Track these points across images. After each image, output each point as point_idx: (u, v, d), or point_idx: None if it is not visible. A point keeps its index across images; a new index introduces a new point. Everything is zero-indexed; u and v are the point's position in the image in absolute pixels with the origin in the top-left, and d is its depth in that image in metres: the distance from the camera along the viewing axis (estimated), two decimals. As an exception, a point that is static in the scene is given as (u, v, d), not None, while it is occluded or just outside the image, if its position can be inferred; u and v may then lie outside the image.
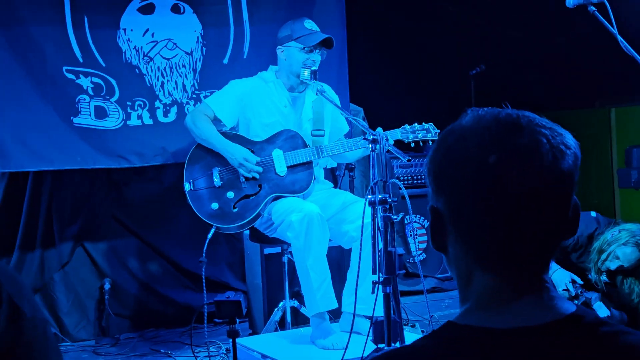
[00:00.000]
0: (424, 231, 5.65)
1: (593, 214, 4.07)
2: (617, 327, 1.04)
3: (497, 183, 1.01)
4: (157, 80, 4.49)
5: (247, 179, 3.78)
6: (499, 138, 1.03)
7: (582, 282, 3.89)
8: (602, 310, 3.74)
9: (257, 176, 3.76)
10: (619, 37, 3.09)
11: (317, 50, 3.82)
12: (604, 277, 3.86)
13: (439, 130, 3.89)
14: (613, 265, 3.81)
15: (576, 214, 1.07)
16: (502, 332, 1.01)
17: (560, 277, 3.87)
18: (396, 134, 3.82)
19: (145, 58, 4.47)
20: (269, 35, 4.42)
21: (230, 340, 3.04)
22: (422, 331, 4.08)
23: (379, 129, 3.53)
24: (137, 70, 4.46)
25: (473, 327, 1.03)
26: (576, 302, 3.72)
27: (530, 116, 1.06)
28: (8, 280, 0.96)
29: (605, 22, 3.12)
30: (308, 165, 3.81)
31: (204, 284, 3.70)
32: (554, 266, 3.89)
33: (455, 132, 1.07)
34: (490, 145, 1.02)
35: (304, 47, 3.80)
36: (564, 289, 3.82)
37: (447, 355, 1.01)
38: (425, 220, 5.64)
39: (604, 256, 3.81)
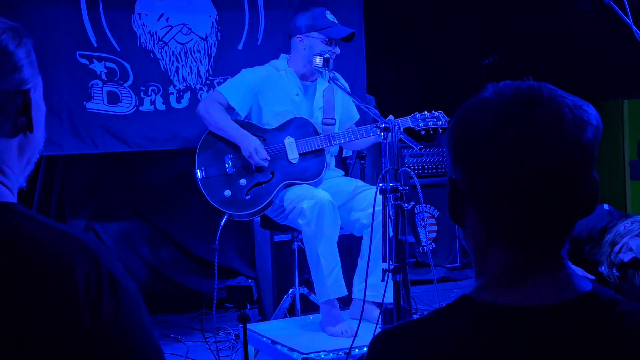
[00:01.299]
0: (434, 221, 5.65)
1: (606, 206, 4.04)
2: (633, 306, 1.02)
3: (516, 155, 0.99)
4: (172, 65, 4.50)
5: (258, 167, 3.79)
6: (519, 108, 1.01)
7: (593, 278, 3.86)
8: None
9: (266, 164, 3.76)
10: (634, 28, 3.08)
11: (335, 43, 3.84)
12: (615, 271, 3.84)
13: (449, 118, 3.87)
14: (626, 257, 3.78)
15: (595, 190, 1.05)
16: (519, 310, 1.00)
17: None
18: (406, 121, 3.81)
19: (160, 43, 4.47)
20: (283, 22, 4.43)
21: (240, 325, 3.05)
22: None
23: (391, 117, 3.52)
24: (151, 54, 4.47)
25: (489, 303, 1.02)
26: None
27: (551, 88, 1.04)
28: (103, 254, 1.02)
29: (621, 12, 3.10)
30: (320, 152, 3.82)
31: (216, 271, 3.72)
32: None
33: (475, 104, 1.05)
34: (510, 117, 1.00)
35: (327, 39, 3.80)
36: None
37: (463, 330, 1.01)
38: (436, 210, 5.64)
39: (616, 248, 3.78)
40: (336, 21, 3.88)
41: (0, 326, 0.96)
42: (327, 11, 3.89)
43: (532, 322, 0.99)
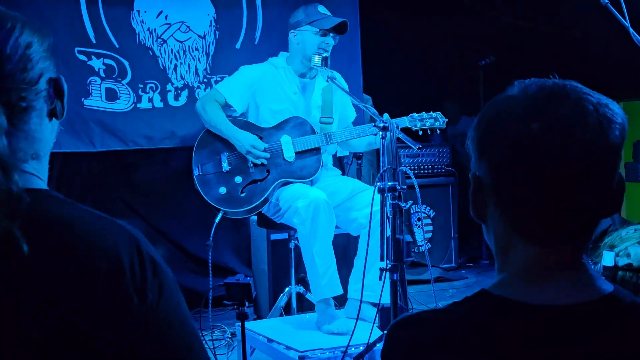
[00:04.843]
0: (429, 221, 5.66)
1: None
2: None
3: (541, 150, 0.99)
4: (171, 62, 4.51)
5: (255, 164, 3.79)
6: (543, 106, 1.01)
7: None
8: (609, 258, 3.70)
9: (265, 162, 3.77)
10: (632, 30, 3.09)
11: (330, 35, 3.84)
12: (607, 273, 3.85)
13: (447, 119, 3.90)
14: (622, 261, 3.79)
15: (621, 189, 1.04)
16: (538, 308, 0.99)
17: None
18: (404, 121, 3.82)
19: (159, 40, 4.48)
20: (280, 20, 4.44)
21: (235, 323, 3.05)
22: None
23: (386, 115, 3.52)
24: (150, 52, 4.47)
25: (508, 300, 1.01)
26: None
27: (576, 85, 1.04)
28: (142, 239, 1.07)
29: (618, 14, 3.11)
30: (316, 151, 3.83)
31: (210, 268, 3.72)
32: None
33: (500, 101, 1.06)
34: (534, 112, 1.00)
35: (319, 31, 3.81)
36: None
37: (479, 324, 1.00)
38: (432, 210, 5.65)
39: (614, 251, 3.79)
40: (329, 14, 3.90)
41: (52, 312, 0.98)
42: (320, 5, 3.91)
43: (552, 321, 0.99)
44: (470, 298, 1.04)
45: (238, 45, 4.65)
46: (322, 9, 3.89)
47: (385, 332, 2.86)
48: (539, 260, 1.03)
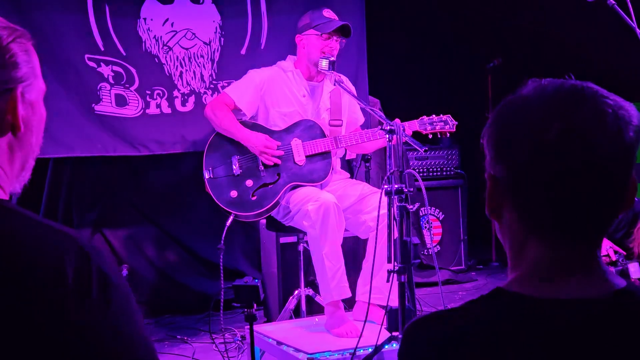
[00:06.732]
0: (438, 223, 5.66)
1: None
2: None
3: (560, 153, 1.00)
4: (176, 69, 4.54)
5: (265, 167, 3.82)
6: (563, 109, 1.02)
7: (623, 253, 3.88)
8: (636, 270, 3.70)
9: (279, 162, 3.80)
10: (638, 31, 3.10)
11: (334, 38, 3.86)
12: None
13: (457, 122, 3.91)
14: None
15: (634, 189, 1.06)
16: (553, 303, 1.01)
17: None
18: (414, 125, 3.84)
19: (165, 47, 4.51)
20: (286, 26, 4.46)
21: (245, 326, 3.07)
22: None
23: (397, 120, 3.55)
24: (156, 59, 4.51)
25: (523, 296, 1.03)
26: (614, 268, 3.73)
27: (594, 87, 1.05)
28: (95, 252, 1.04)
29: (625, 15, 3.13)
30: (326, 154, 3.85)
31: (222, 271, 3.74)
32: None
33: (517, 101, 1.06)
34: (553, 115, 1.01)
35: (322, 34, 3.84)
36: (604, 255, 3.81)
37: (497, 321, 1.02)
38: (441, 213, 5.66)
39: None
40: (335, 18, 3.92)
41: None
42: (325, 9, 3.94)
43: (567, 314, 1.00)
44: (487, 296, 1.06)
45: (243, 51, 4.68)
46: (327, 12, 3.92)
47: (401, 332, 2.88)
48: (555, 259, 1.05)
